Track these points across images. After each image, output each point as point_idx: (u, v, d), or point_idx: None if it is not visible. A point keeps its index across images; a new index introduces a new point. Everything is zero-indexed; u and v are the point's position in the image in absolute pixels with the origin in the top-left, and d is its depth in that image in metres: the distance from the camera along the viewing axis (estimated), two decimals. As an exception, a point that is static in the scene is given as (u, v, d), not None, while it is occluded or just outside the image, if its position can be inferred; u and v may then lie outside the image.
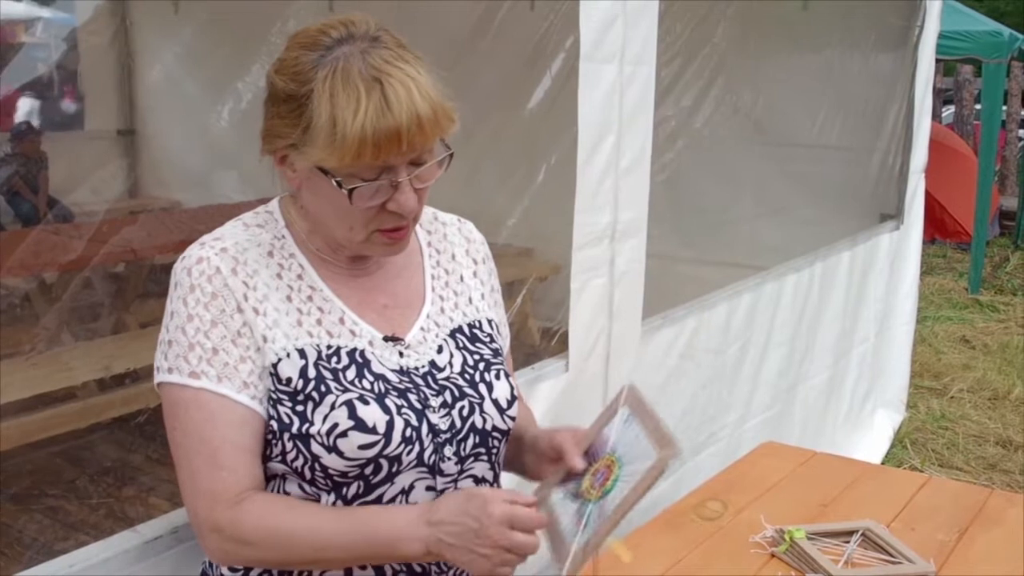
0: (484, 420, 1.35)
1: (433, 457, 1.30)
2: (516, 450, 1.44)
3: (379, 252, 1.31)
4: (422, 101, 1.17)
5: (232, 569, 1.34)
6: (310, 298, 1.30)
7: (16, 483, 3.32)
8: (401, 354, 1.33)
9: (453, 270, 1.45)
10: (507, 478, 1.46)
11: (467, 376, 1.36)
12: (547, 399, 2.30)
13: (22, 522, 3.17)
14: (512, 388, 1.40)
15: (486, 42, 2.77)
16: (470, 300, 1.44)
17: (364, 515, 1.26)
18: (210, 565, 1.39)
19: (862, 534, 1.89)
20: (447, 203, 1.49)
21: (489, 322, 1.45)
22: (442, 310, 1.40)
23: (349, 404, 1.24)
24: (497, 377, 1.38)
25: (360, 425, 1.23)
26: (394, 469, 1.27)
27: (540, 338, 3.33)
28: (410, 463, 1.28)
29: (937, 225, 8.68)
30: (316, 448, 1.24)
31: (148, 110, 5.73)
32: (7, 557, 2.97)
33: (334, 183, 1.20)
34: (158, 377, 1.28)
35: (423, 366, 1.34)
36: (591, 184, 2.32)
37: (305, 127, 1.18)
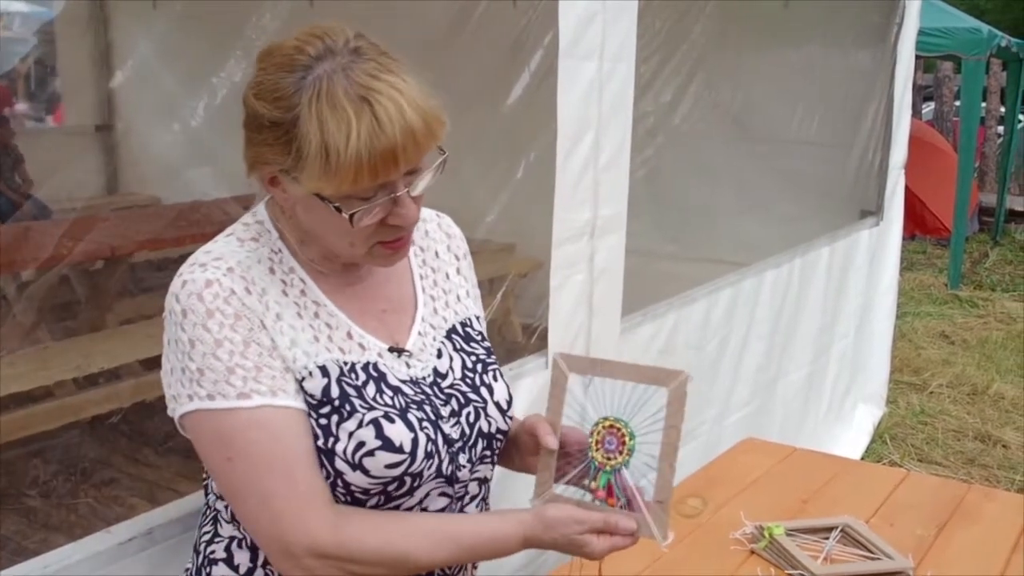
0: (489, 424, 1.35)
1: (450, 467, 1.29)
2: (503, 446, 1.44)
3: (379, 263, 1.28)
4: (413, 115, 1.12)
5: None
6: (316, 315, 1.26)
7: (-8, 482, 3.29)
8: (407, 364, 1.31)
9: (439, 268, 1.43)
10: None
11: (468, 380, 1.35)
12: (528, 395, 2.30)
13: (-2, 522, 3.14)
14: (508, 387, 1.39)
15: (465, 38, 2.75)
16: (458, 298, 1.43)
17: (472, 537, 1.27)
18: (197, 573, 1.35)
19: (841, 530, 1.89)
20: (427, 199, 1.48)
21: (477, 319, 1.44)
22: (435, 311, 1.39)
23: (376, 423, 1.21)
24: (495, 378, 1.38)
25: (387, 444, 1.21)
26: (416, 484, 1.26)
27: (522, 334, 3.33)
28: (430, 476, 1.27)
29: (917, 221, 8.73)
30: (340, 464, 1.21)
31: (126, 105, 5.68)
32: (-17, 557, 2.95)
33: (333, 208, 1.16)
34: (192, 405, 1.18)
35: (428, 375, 1.32)
36: (570, 180, 2.32)
37: (296, 155, 1.13)
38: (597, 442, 1.29)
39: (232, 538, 1.31)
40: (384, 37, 1.20)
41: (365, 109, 1.10)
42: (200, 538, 1.37)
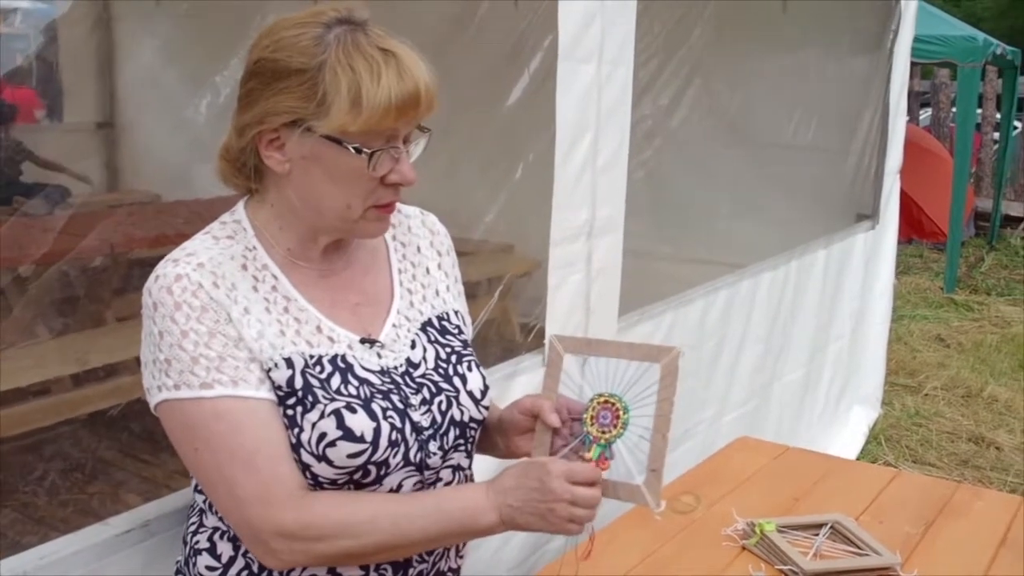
0: (461, 412, 1.37)
1: (419, 455, 1.32)
2: (483, 434, 1.47)
3: (370, 231, 1.33)
4: (426, 71, 1.23)
5: (209, 568, 1.35)
6: (286, 309, 1.30)
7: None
8: (379, 355, 1.34)
9: (419, 263, 1.46)
10: (480, 462, 1.49)
11: (441, 370, 1.38)
12: (524, 393, 2.30)
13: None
14: (484, 378, 1.42)
15: (465, 39, 2.77)
16: (437, 292, 1.46)
17: (436, 496, 1.30)
18: (186, 563, 1.39)
19: (831, 527, 1.92)
20: (426, 199, 1.50)
21: (456, 313, 1.47)
22: (411, 304, 1.42)
23: (337, 413, 1.24)
24: (469, 369, 1.41)
25: (348, 435, 1.24)
26: (383, 472, 1.28)
27: (519, 333, 3.36)
28: (397, 464, 1.29)
29: (914, 225, 8.76)
30: (306, 457, 1.25)
31: (128, 103, 5.69)
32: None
33: (352, 149, 1.21)
34: (160, 396, 1.23)
35: (400, 365, 1.35)
36: (569, 181, 2.34)
37: (321, 99, 1.19)
38: (592, 417, 1.33)
39: (215, 529, 1.35)
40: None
41: (390, 57, 1.21)
42: (187, 529, 1.41)
